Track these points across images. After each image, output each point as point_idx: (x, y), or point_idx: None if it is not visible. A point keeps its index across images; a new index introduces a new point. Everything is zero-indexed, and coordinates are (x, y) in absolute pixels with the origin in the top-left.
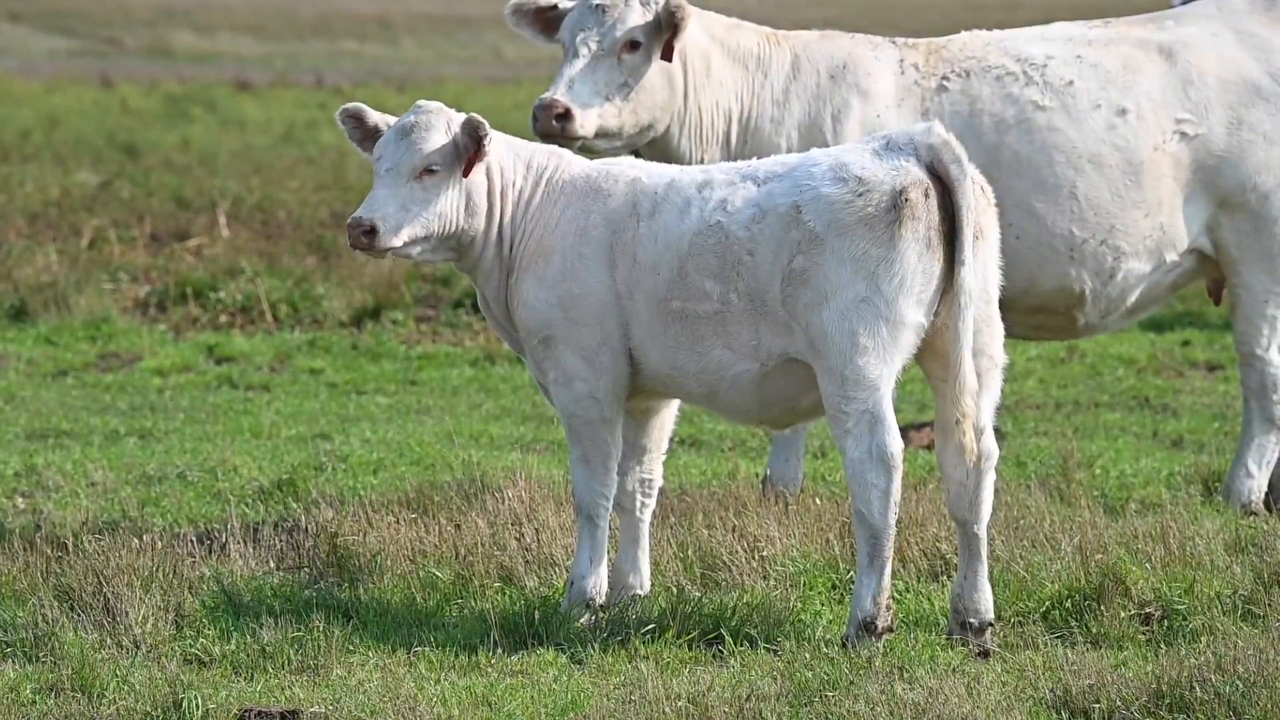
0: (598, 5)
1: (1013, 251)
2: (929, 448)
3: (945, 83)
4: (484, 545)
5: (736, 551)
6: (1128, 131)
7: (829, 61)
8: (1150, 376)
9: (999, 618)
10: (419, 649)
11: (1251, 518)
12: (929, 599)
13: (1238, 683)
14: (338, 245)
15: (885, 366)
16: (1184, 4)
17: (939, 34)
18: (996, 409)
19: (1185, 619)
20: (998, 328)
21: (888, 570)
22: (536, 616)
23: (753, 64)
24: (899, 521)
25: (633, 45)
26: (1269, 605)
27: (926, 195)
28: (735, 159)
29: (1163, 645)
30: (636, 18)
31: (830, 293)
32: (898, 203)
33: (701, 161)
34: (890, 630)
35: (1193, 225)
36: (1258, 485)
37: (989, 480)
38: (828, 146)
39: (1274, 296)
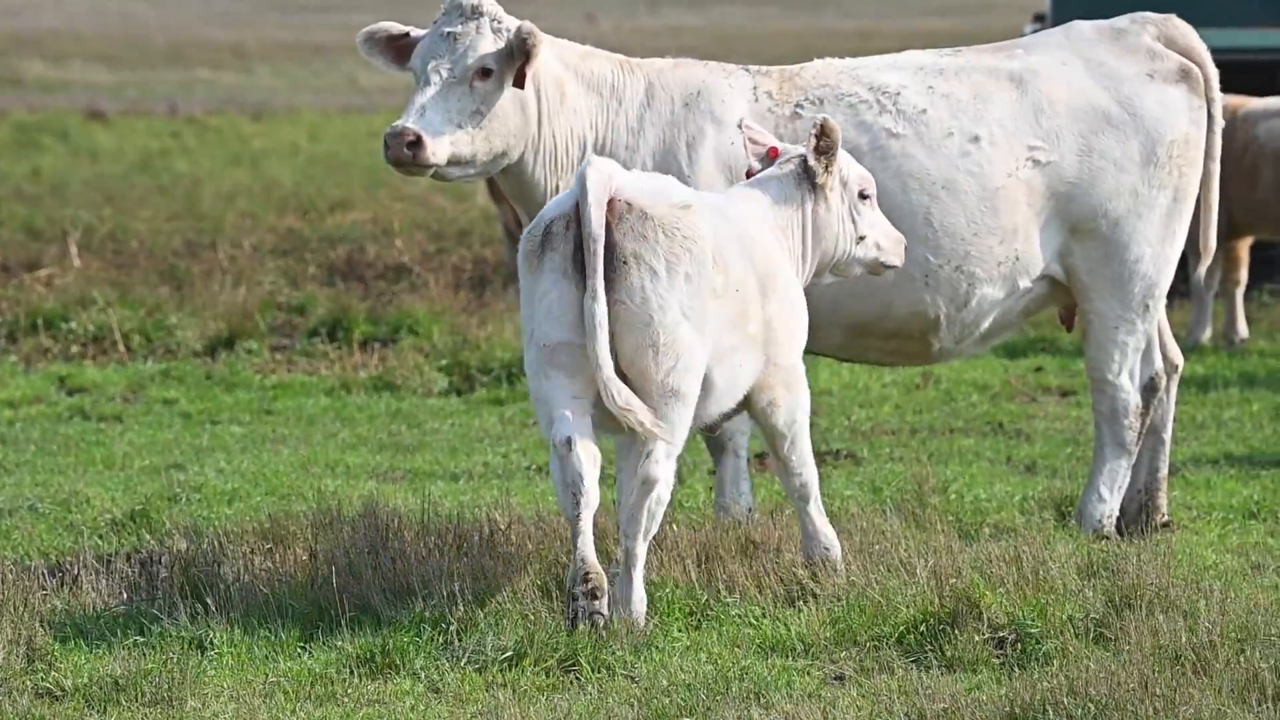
0: (449, 33)
1: (868, 277)
2: None
3: (799, 110)
4: (340, 575)
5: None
6: (981, 158)
7: (683, 89)
8: (1004, 402)
9: (855, 642)
10: (275, 679)
11: (1103, 542)
12: (785, 624)
13: (1090, 705)
14: (191, 274)
15: (544, 381)
16: (1034, 32)
17: (794, 62)
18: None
19: (1038, 642)
20: (679, 355)
21: (579, 542)
22: (392, 645)
23: (607, 91)
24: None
25: (485, 72)
26: (1120, 628)
27: (566, 227)
28: None
29: (1016, 668)
30: (488, 45)
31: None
32: (546, 233)
33: (556, 189)
34: (594, 597)
35: (1045, 251)
36: (1109, 509)
37: (644, 501)
38: (683, 174)
39: (1124, 323)
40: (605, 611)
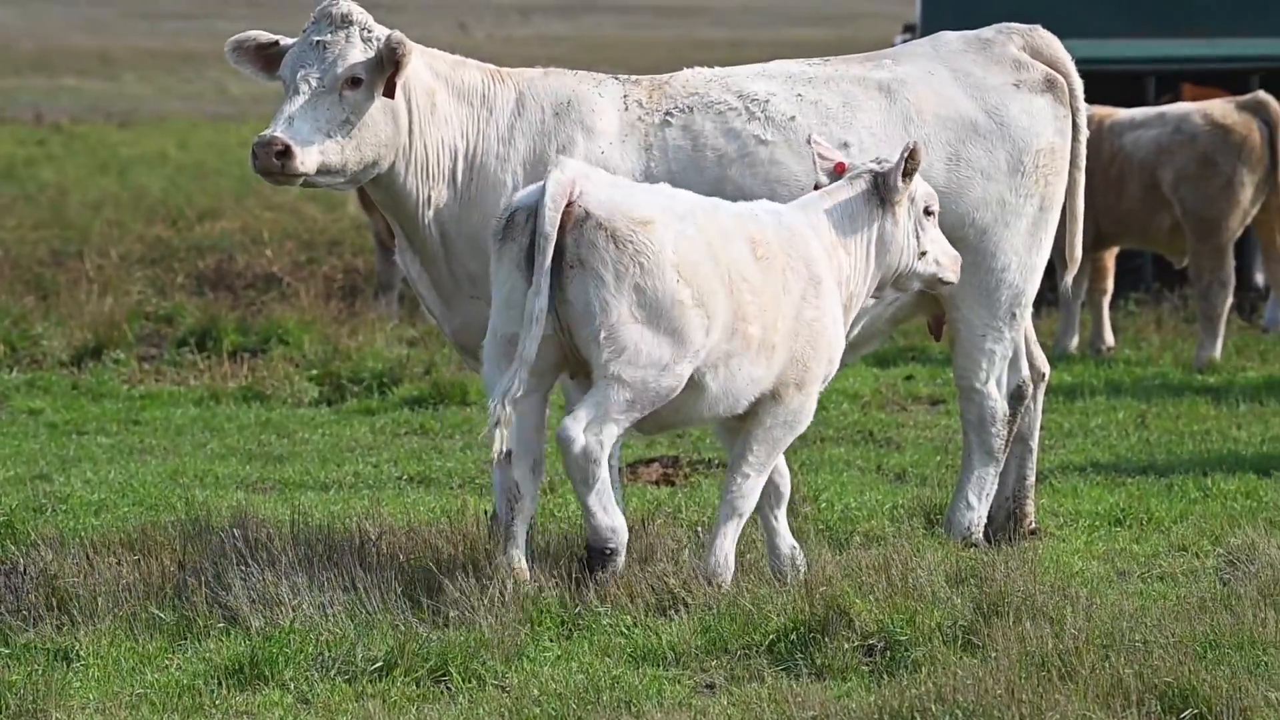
0: (318, 41)
1: None
2: (657, 483)
3: (668, 118)
4: (208, 585)
5: (466, 587)
6: None
7: (553, 98)
8: (874, 411)
9: (725, 651)
10: (141, 691)
11: (972, 549)
12: (656, 633)
13: (957, 712)
14: (57, 284)
15: (493, 368)
16: (903, 42)
17: (665, 72)
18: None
19: (907, 650)
20: (623, 348)
21: (514, 532)
22: (262, 656)
23: (478, 101)
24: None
25: (354, 82)
26: (988, 635)
27: (527, 219)
28: (461, 196)
29: (885, 676)
30: (358, 54)
31: None
32: (510, 221)
33: (428, 200)
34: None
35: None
36: (978, 517)
37: (565, 460)
38: None
39: (992, 331)
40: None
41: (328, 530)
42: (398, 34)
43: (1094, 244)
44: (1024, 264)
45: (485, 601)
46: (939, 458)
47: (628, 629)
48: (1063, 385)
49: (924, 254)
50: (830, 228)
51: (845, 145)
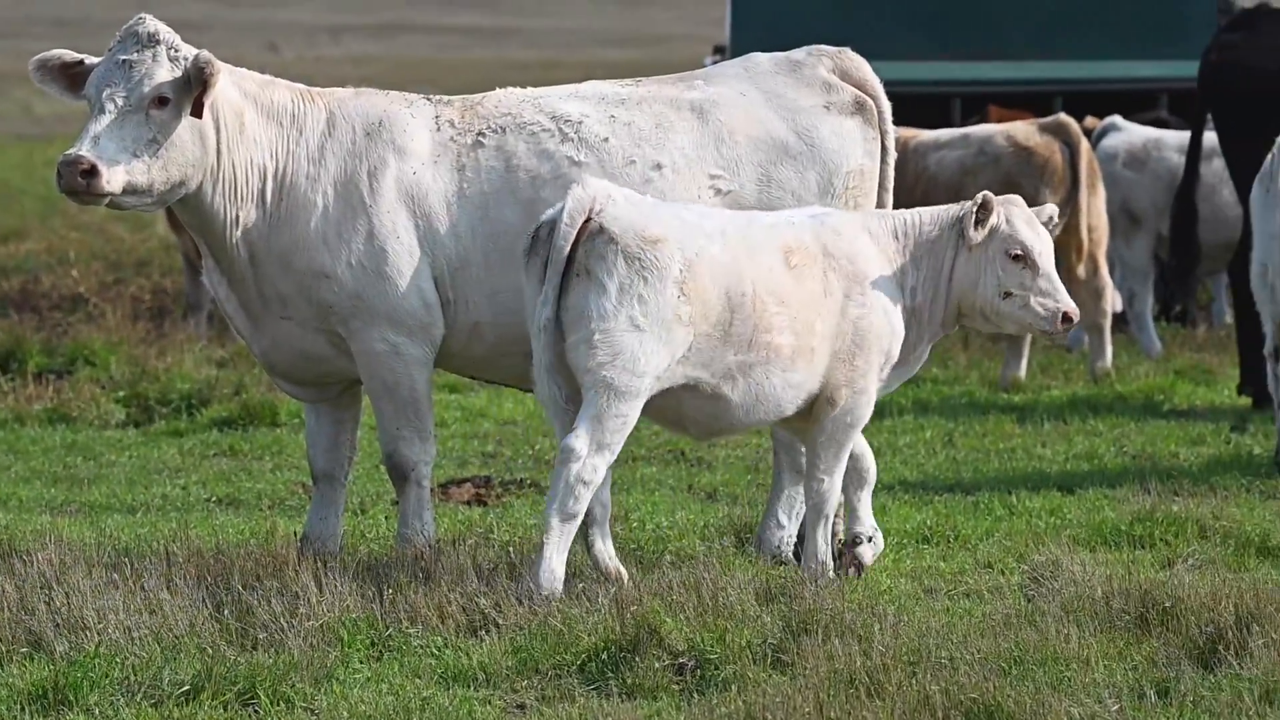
0: (125, 61)
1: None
2: (469, 503)
3: (481, 139)
4: (11, 610)
5: (275, 610)
6: (664, 186)
7: (364, 119)
8: None
9: (536, 671)
10: None
11: (782, 567)
12: (467, 654)
13: None
14: None
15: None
16: (714, 64)
17: (478, 92)
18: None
19: (717, 668)
20: (616, 353)
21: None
22: (66, 681)
23: (287, 121)
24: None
25: (161, 101)
26: (797, 653)
27: (549, 234)
28: (271, 216)
29: (695, 695)
30: (165, 74)
31: None
32: (535, 235)
33: (236, 220)
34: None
35: None
36: (788, 535)
37: (561, 471)
38: (365, 203)
39: None
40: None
41: (134, 553)
42: (205, 53)
43: None
44: None
45: (294, 624)
46: (750, 476)
47: (438, 650)
48: None
49: (1008, 295)
50: (893, 238)
51: (659, 166)
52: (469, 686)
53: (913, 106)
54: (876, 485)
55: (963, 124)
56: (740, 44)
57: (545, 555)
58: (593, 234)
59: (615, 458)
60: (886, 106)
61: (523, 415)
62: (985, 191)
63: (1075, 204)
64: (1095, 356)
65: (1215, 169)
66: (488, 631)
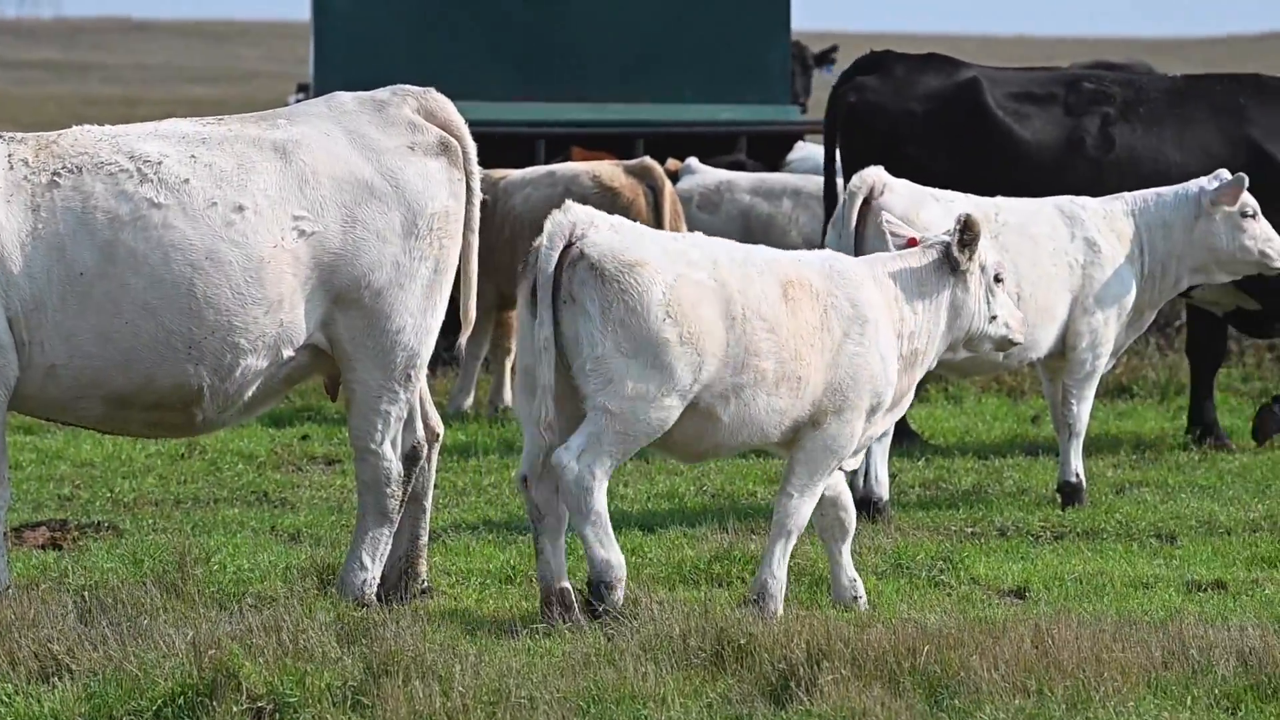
0: None
1: (130, 350)
2: (44, 547)
3: (56, 179)
4: None
5: None
6: (246, 228)
7: None
8: (270, 471)
9: (111, 717)
10: None
11: (364, 609)
12: (39, 701)
13: None
14: None
15: (522, 399)
16: (299, 102)
17: (56, 129)
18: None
19: (296, 711)
20: (609, 379)
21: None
22: None
23: None
24: None
25: None
26: (377, 695)
27: (534, 261)
28: None
29: None
30: None
31: None
32: (525, 262)
33: None
34: (566, 609)
35: (309, 321)
36: (371, 577)
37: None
38: None
39: (387, 392)
40: (580, 619)
41: None
42: None
43: (497, 304)
44: (419, 326)
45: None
46: (334, 517)
47: (8, 697)
48: (457, 444)
49: (994, 318)
50: (894, 283)
51: (240, 208)
52: None
53: (498, 147)
54: (461, 524)
55: (547, 164)
56: (324, 82)
57: (593, 555)
58: (574, 260)
59: (620, 464)
60: (471, 147)
61: (101, 457)
62: (967, 211)
63: None
64: None
65: (785, 210)
66: (60, 678)
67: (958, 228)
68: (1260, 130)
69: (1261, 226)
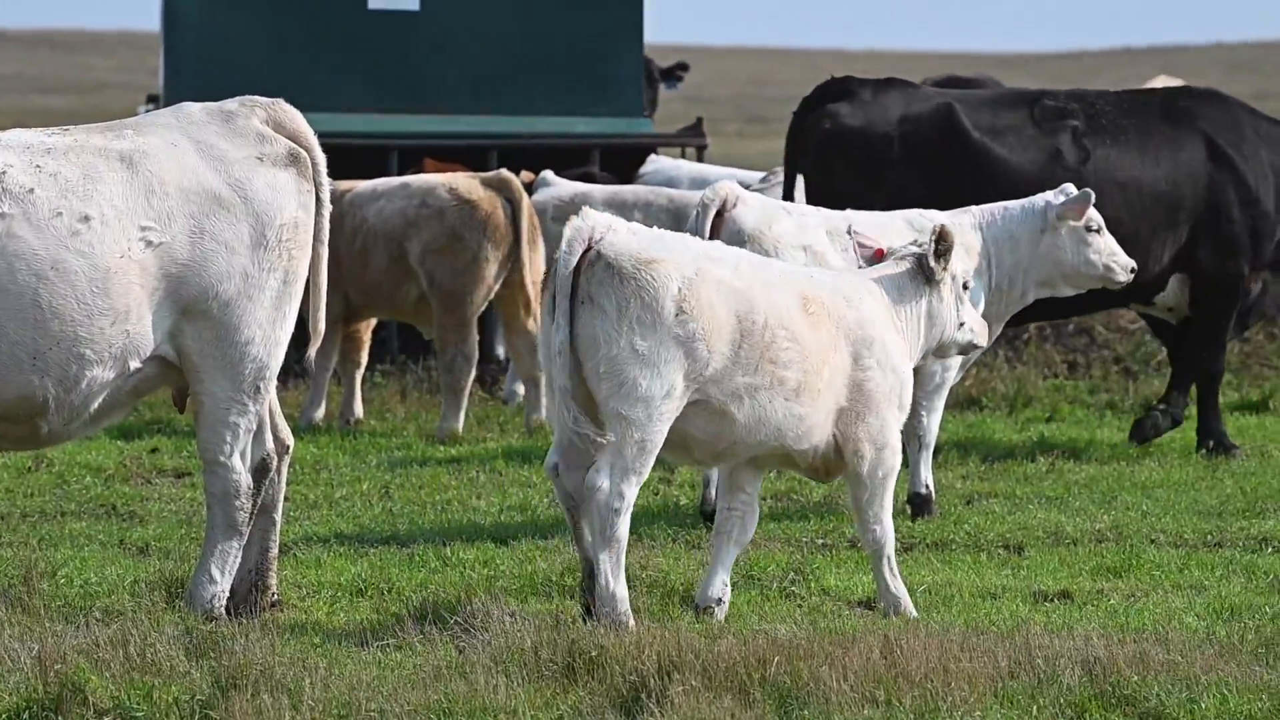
0: None
1: None
2: None
3: None
4: None
5: None
6: (92, 238)
7: None
8: (118, 484)
9: None
10: None
11: (213, 622)
12: None
13: None
14: None
15: (553, 405)
16: (147, 113)
17: None
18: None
19: None
20: (622, 382)
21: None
22: None
23: None
24: None
25: None
26: (226, 708)
27: (557, 270)
28: None
29: None
30: None
31: None
32: (548, 270)
33: None
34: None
35: (157, 332)
36: (220, 590)
37: (591, 507)
38: None
39: (236, 404)
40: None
41: None
42: None
43: (347, 316)
44: (268, 337)
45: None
46: (184, 530)
47: None
48: (309, 457)
49: (962, 324)
50: (884, 295)
51: (86, 218)
52: None
53: (349, 158)
54: (312, 537)
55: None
56: (174, 93)
57: (602, 584)
58: (592, 262)
59: (645, 478)
60: (321, 158)
61: None
62: (943, 223)
63: (518, 259)
64: (531, 409)
65: (638, 222)
66: None
67: (933, 239)
68: (1210, 125)
69: (1106, 241)
